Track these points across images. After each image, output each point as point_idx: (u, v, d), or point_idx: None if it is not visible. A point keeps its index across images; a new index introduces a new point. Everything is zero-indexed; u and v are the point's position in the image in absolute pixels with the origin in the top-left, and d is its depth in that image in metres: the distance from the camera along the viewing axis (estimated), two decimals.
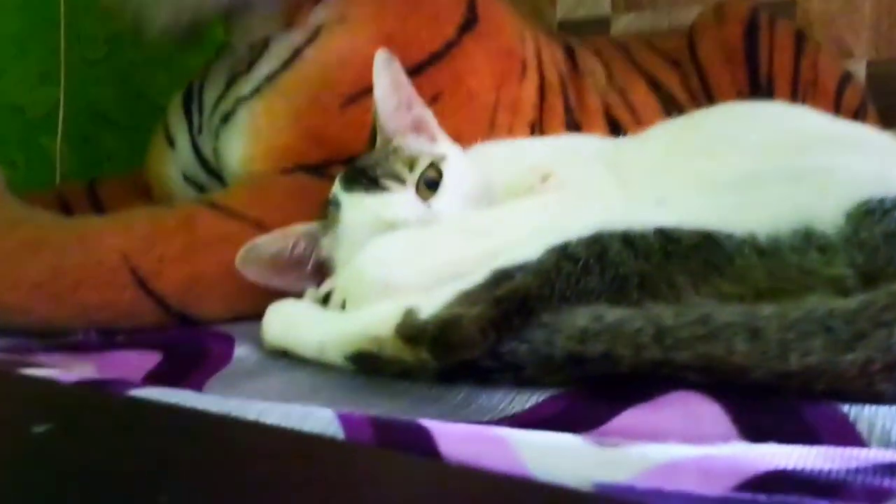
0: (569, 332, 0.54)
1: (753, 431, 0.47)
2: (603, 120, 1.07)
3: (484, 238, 0.67)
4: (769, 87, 1.11)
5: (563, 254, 0.57)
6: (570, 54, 1.15)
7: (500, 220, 0.70)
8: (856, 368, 0.48)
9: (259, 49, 0.98)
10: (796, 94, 1.11)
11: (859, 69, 1.44)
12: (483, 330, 0.54)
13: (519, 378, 0.56)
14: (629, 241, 0.57)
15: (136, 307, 0.80)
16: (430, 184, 0.73)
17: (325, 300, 0.74)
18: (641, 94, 1.12)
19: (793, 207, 0.58)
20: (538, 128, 1.04)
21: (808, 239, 0.56)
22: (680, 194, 0.65)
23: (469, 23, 1.00)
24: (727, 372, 0.50)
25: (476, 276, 0.57)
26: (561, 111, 1.06)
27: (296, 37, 0.96)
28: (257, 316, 0.73)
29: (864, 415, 0.46)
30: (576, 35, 1.52)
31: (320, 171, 0.89)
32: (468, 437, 0.44)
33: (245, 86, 0.96)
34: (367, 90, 0.91)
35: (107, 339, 0.78)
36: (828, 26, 1.46)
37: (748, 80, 1.11)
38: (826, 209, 0.57)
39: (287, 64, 0.94)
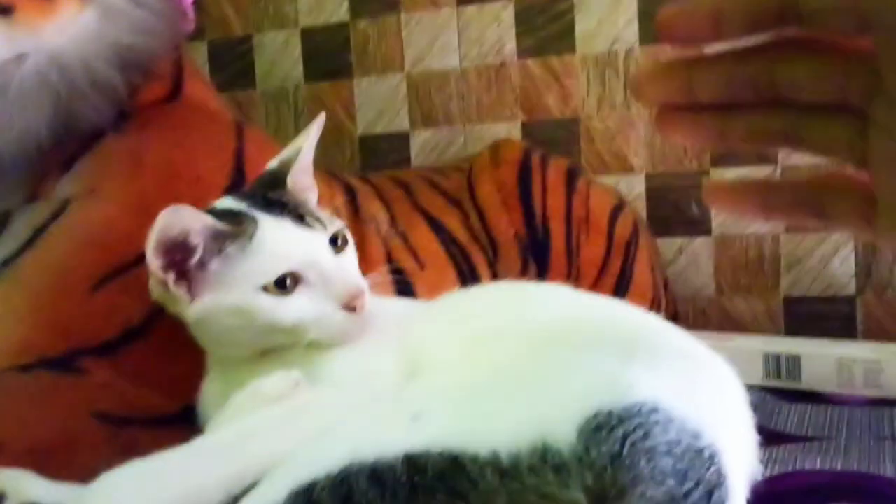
0: None
1: None
2: (385, 268, 1.06)
3: (229, 461, 0.63)
4: (545, 228, 1.14)
5: (307, 501, 0.54)
6: (352, 198, 1.14)
7: (248, 434, 0.66)
8: None
9: None
10: (570, 233, 1.15)
11: (639, 182, 1.55)
12: None
13: None
14: (377, 475, 0.55)
15: None
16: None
17: None
18: (423, 237, 1.12)
19: (530, 418, 0.57)
20: None
21: (544, 457, 0.55)
22: (438, 400, 0.64)
23: (237, 185, 0.96)
24: None
25: None
26: None
27: (39, 212, 0.88)
28: None
29: None
30: (375, 151, 1.52)
31: (66, 364, 0.81)
32: None
33: None
34: (121, 269, 0.85)
35: None
36: (609, 142, 1.57)
37: (524, 221, 1.14)
38: (561, 421, 0.56)
39: (27, 245, 0.86)
